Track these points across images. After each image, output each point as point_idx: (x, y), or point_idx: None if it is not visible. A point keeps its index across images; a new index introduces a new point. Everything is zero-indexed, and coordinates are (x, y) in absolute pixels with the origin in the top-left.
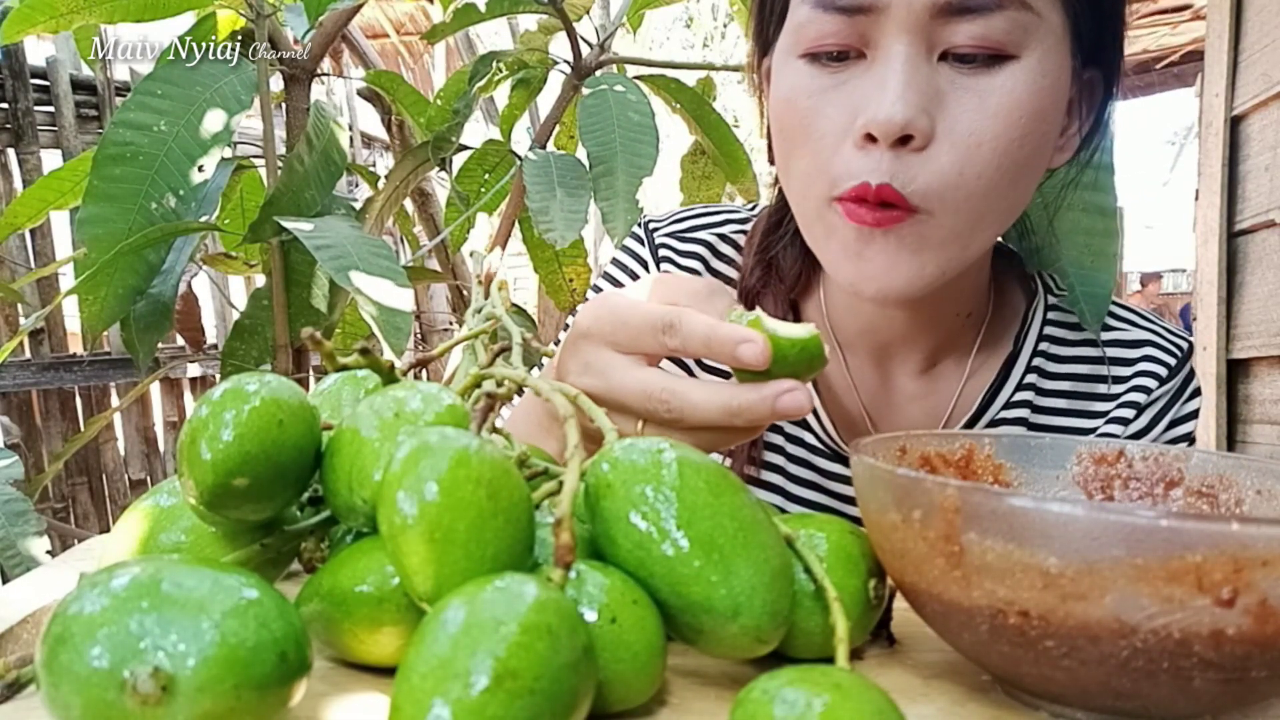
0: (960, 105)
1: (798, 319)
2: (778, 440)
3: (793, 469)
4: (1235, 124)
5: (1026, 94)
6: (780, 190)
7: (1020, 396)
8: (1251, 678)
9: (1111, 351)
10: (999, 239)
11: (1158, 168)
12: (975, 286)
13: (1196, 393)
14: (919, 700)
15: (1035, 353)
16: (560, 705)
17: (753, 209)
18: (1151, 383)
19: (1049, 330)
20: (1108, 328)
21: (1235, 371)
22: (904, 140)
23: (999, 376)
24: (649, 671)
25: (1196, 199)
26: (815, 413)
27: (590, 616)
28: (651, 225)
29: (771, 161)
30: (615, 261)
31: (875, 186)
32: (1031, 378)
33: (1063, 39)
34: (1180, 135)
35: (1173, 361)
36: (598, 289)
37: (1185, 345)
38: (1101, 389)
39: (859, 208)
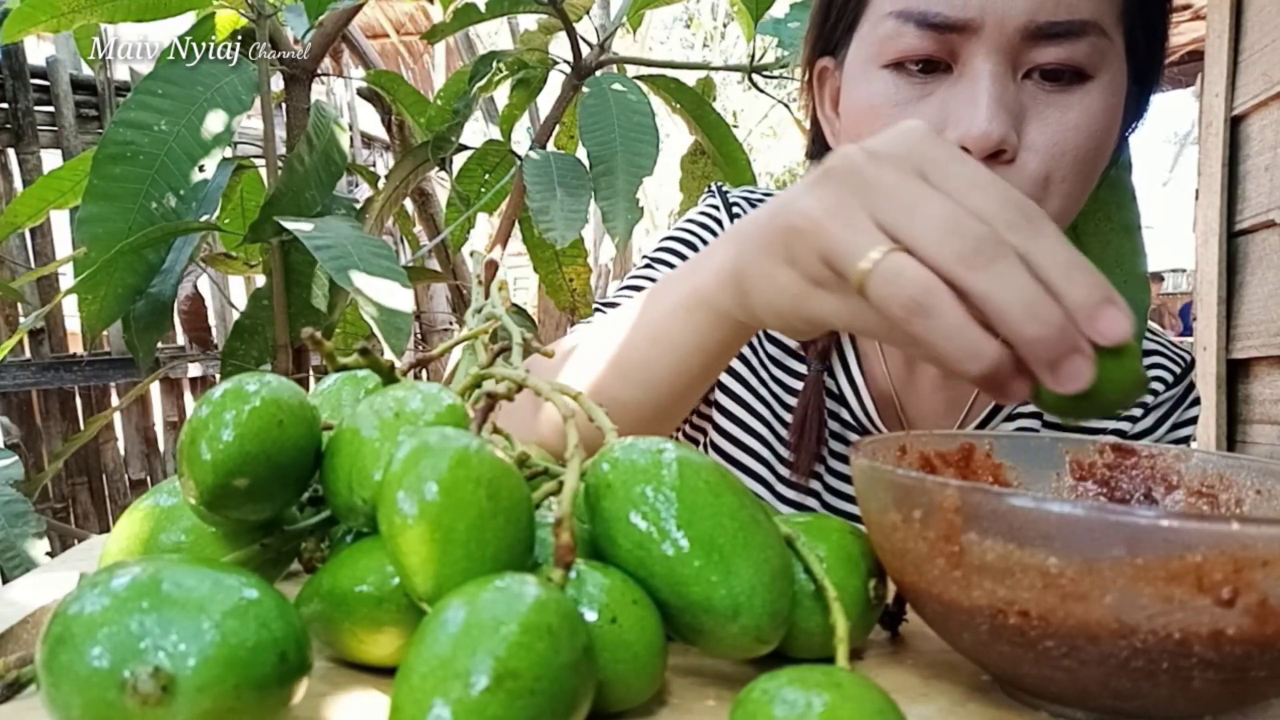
0: (1042, 120)
1: None
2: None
3: (831, 444)
4: (1235, 124)
5: (1100, 111)
6: None
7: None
8: (1251, 678)
9: None
10: None
11: (1158, 168)
12: None
13: (1197, 401)
14: (919, 700)
15: None
16: (560, 705)
17: None
18: (1159, 386)
19: None
20: None
21: (1235, 371)
22: (995, 155)
23: None
24: (649, 671)
25: (1196, 199)
26: (855, 389)
27: (590, 616)
28: (723, 188)
29: (811, 157)
30: (690, 220)
31: None
32: None
33: (1123, 59)
34: (1180, 135)
35: (1177, 369)
36: (661, 253)
37: (1188, 357)
38: None
39: None
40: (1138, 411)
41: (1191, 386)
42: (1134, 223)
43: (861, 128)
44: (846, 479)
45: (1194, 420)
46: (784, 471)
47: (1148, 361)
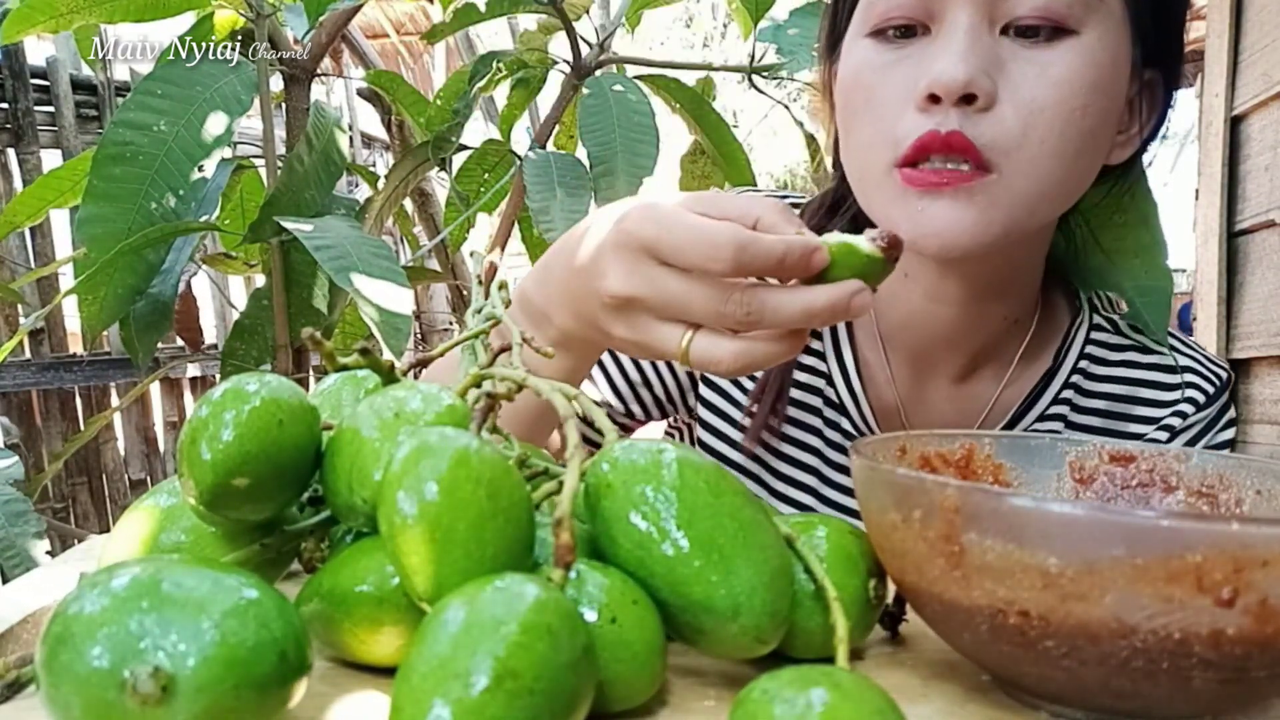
0: (1021, 74)
1: None
2: (816, 423)
3: (830, 454)
4: (1235, 124)
5: (1085, 66)
6: (840, 177)
7: (1055, 410)
8: (1251, 678)
9: (1153, 375)
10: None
11: (1158, 168)
12: (1025, 290)
13: (1231, 423)
14: (919, 700)
15: (1074, 370)
16: (560, 705)
17: (801, 198)
18: (1189, 408)
19: (1090, 349)
20: (1150, 351)
21: (1235, 371)
22: (969, 100)
23: (1036, 389)
24: (649, 671)
25: (1196, 199)
26: (855, 398)
27: (590, 616)
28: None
29: (834, 165)
30: None
31: (945, 133)
32: (1068, 393)
33: (1122, 24)
34: (1180, 135)
35: (1211, 390)
36: None
37: (1224, 374)
38: (1137, 410)
39: (924, 173)
40: (1163, 435)
41: (1227, 406)
42: (1151, 214)
43: (847, 96)
44: (845, 490)
45: (1229, 444)
46: (779, 466)
47: (1180, 379)
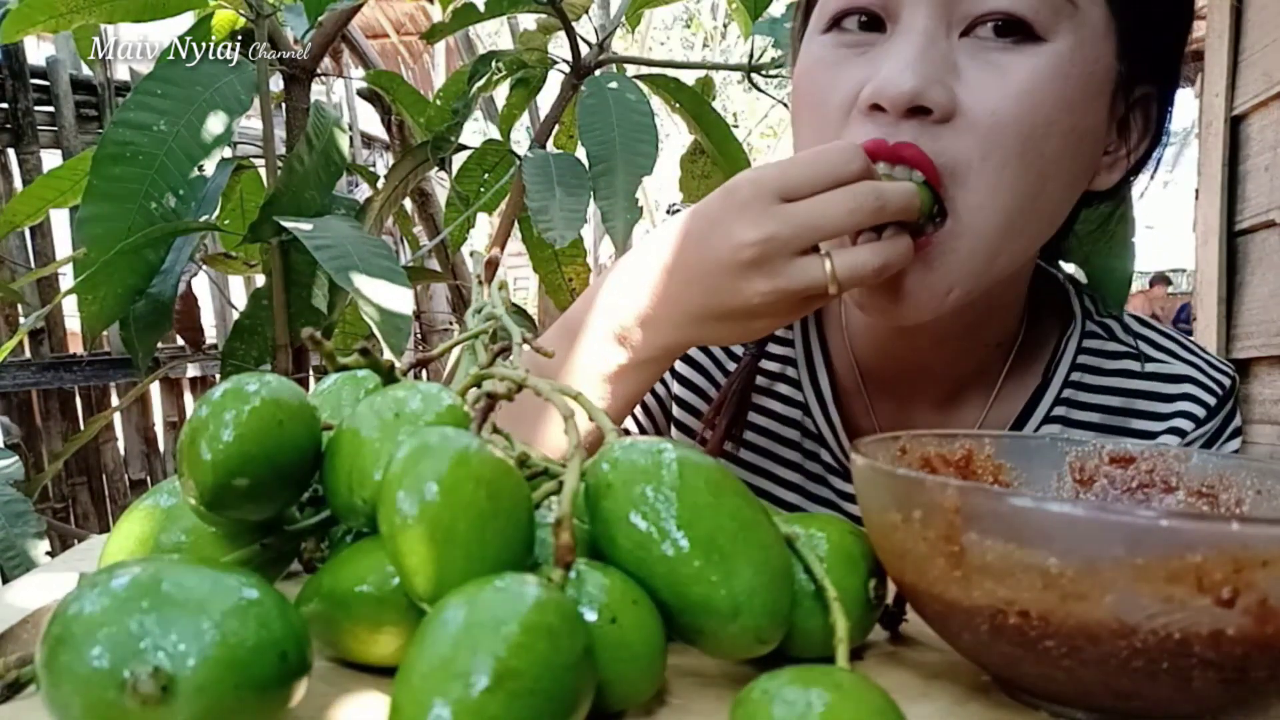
0: (981, 82)
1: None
2: (794, 457)
3: (811, 487)
4: (1235, 124)
5: (1051, 76)
6: None
7: (1047, 429)
8: (1251, 678)
9: (1150, 386)
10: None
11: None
12: (1009, 315)
13: (1236, 433)
14: (919, 700)
15: (1066, 383)
16: (561, 705)
17: None
18: (1187, 424)
19: (1083, 359)
20: (1148, 358)
21: (1235, 372)
22: (924, 113)
23: (1025, 409)
24: (649, 671)
25: (1196, 199)
26: (833, 429)
27: (590, 616)
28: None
29: None
30: None
31: (892, 144)
32: (1060, 410)
33: (1104, 36)
34: (1180, 135)
35: (1212, 401)
36: None
37: (1227, 383)
38: (1134, 424)
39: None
40: None
41: (1231, 416)
42: (1125, 195)
43: (796, 97)
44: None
45: (1234, 454)
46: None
47: (1179, 390)
